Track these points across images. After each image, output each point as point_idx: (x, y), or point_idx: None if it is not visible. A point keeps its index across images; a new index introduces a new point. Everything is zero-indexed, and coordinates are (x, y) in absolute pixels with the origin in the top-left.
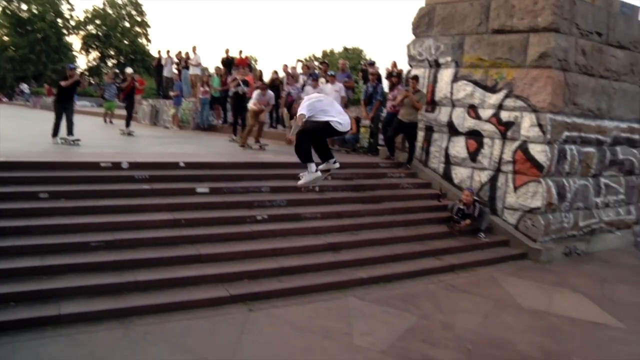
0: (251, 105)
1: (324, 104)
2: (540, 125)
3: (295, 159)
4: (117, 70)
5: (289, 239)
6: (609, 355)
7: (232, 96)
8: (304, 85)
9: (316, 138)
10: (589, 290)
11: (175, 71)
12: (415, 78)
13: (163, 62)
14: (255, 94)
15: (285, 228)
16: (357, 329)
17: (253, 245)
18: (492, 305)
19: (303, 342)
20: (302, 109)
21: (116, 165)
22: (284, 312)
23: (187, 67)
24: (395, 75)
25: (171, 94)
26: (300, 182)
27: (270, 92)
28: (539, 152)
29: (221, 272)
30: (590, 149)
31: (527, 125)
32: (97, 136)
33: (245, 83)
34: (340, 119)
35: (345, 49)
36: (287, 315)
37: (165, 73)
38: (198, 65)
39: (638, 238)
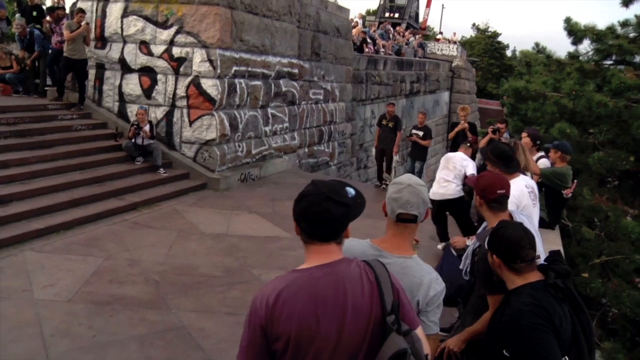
0: None
1: None
2: (210, 61)
3: None
4: None
5: None
6: (280, 262)
7: None
8: None
9: None
10: (262, 210)
11: None
12: (81, 11)
13: None
14: None
15: None
16: (38, 283)
17: None
18: (175, 236)
19: None
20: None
21: None
22: None
23: None
24: (60, 8)
25: None
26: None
27: None
28: (210, 86)
29: None
30: (258, 82)
31: (198, 60)
32: None
33: None
34: None
35: None
36: None
37: None
38: None
39: (302, 160)
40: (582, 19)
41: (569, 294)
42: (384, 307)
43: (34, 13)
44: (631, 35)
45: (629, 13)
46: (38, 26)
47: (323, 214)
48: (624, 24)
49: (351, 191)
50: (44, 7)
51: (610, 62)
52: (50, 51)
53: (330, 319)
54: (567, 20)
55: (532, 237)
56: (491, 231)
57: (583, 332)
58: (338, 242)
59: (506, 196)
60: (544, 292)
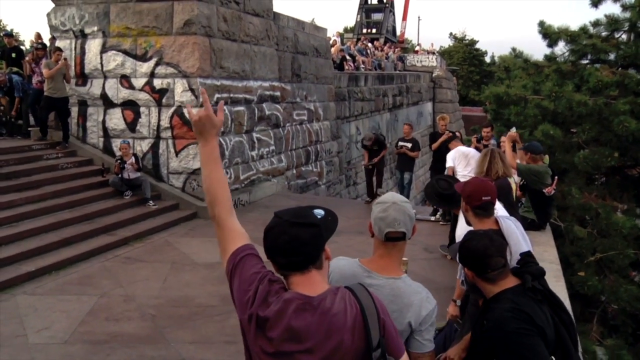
0: None
1: None
2: (192, 90)
3: None
4: None
5: None
6: None
7: None
8: None
9: None
10: (254, 234)
11: None
12: (59, 49)
13: None
14: None
15: None
16: (32, 327)
17: None
18: (169, 268)
19: None
20: None
21: None
22: None
23: None
24: (40, 48)
25: None
26: None
27: None
28: None
29: None
30: (240, 108)
31: (180, 90)
32: None
33: None
34: None
35: None
36: None
37: None
38: None
39: (290, 182)
40: (556, 21)
41: (547, 294)
42: (369, 342)
43: (13, 55)
44: (603, 34)
45: (599, 13)
46: (15, 69)
47: (293, 241)
48: (595, 23)
49: (320, 212)
50: (23, 48)
51: (586, 61)
52: (30, 92)
53: (310, 356)
54: (541, 24)
55: (500, 244)
56: (459, 245)
57: (566, 330)
58: (318, 267)
59: (492, 203)
60: (524, 296)
